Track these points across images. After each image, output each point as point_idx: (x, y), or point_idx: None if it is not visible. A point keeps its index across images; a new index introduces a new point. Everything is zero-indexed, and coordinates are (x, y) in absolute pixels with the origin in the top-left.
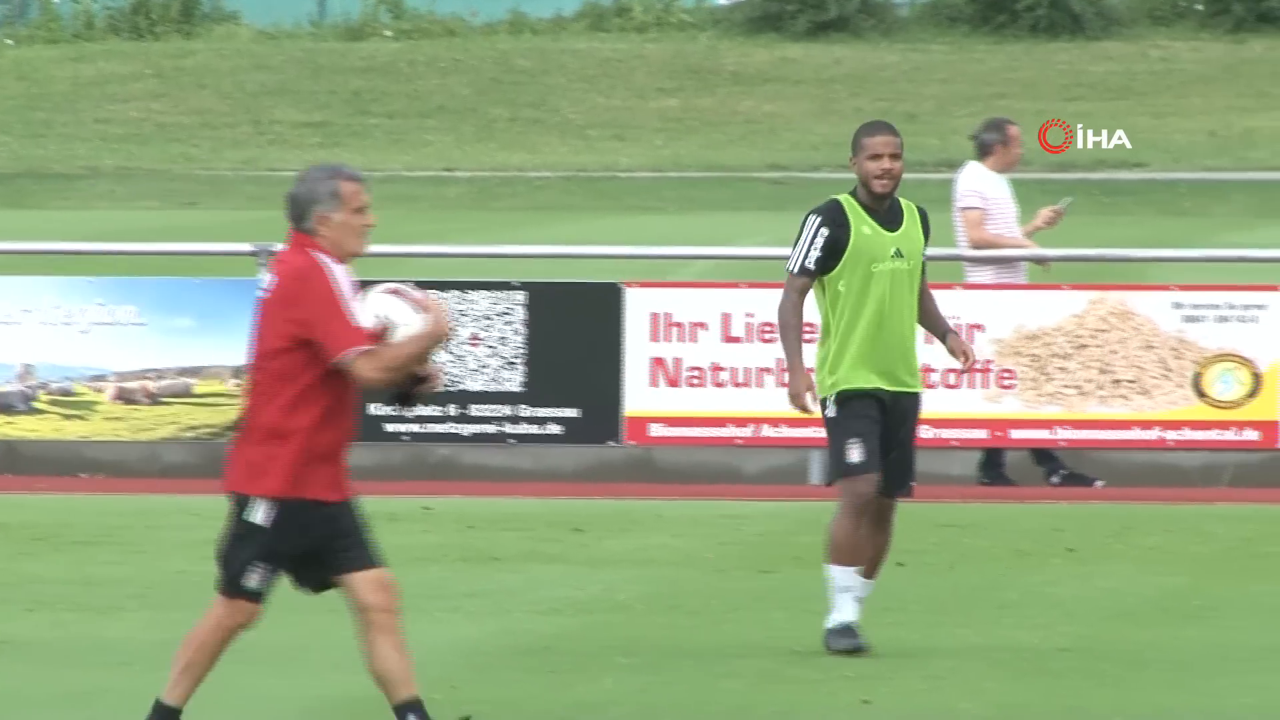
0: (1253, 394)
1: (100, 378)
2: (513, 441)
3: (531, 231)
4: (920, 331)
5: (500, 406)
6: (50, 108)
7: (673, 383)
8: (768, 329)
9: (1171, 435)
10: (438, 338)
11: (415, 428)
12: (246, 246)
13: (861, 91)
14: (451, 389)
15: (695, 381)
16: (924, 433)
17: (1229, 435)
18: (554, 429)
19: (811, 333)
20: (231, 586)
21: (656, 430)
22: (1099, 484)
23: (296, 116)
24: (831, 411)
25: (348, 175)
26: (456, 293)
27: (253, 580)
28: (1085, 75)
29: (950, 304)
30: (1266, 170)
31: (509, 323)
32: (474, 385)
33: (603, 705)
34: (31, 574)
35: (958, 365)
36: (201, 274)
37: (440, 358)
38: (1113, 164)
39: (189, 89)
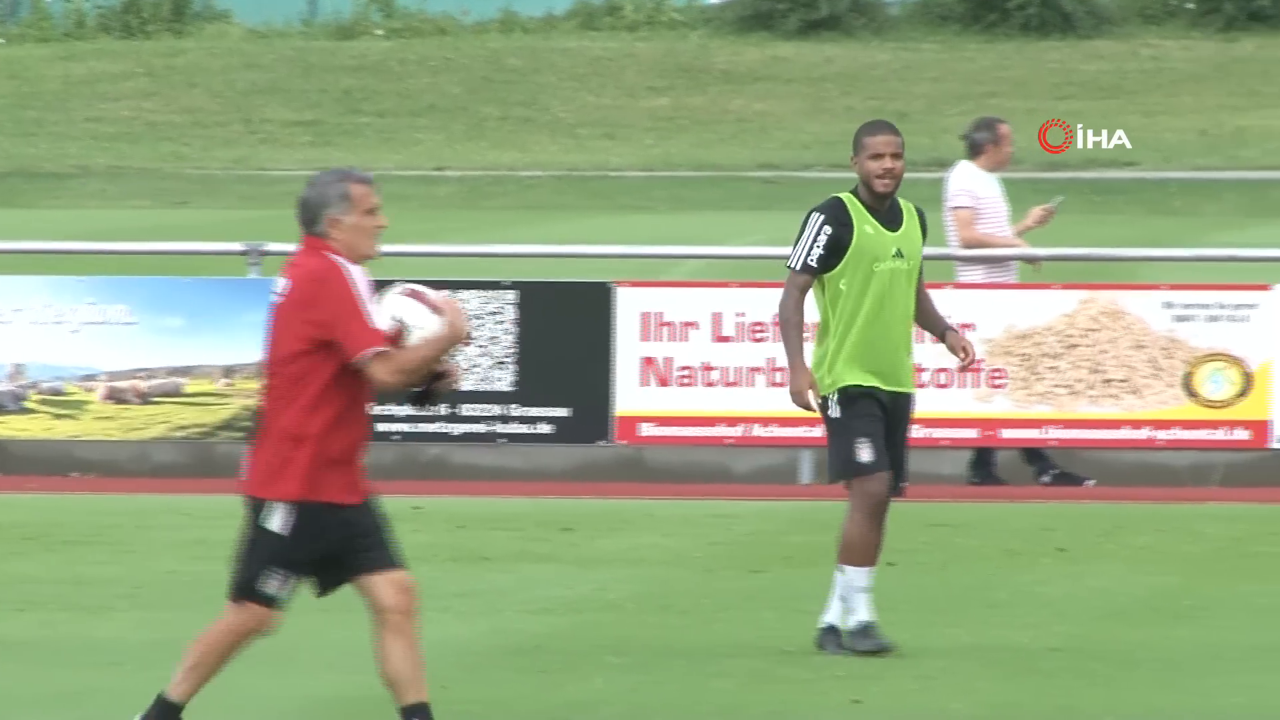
0: (1243, 393)
1: (91, 377)
2: (503, 441)
3: (522, 230)
4: (919, 331)
5: (491, 406)
6: (41, 106)
7: (663, 382)
8: (758, 329)
9: (1162, 435)
10: (454, 340)
11: (405, 427)
12: (237, 246)
13: (852, 90)
14: None
15: (686, 381)
16: (915, 432)
17: (1219, 435)
18: (544, 428)
19: (810, 332)
20: (241, 591)
21: (647, 430)
22: (1089, 483)
23: (287, 115)
24: (835, 412)
25: (358, 178)
26: (447, 292)
27: (270, 586)
28: (1076, 74)
29: (941, 303)
30: (1257, 169)
31: (499, 322)
32: (464, 385)
33: (593, 705)
34: (22, 573)
35: (956, 363)
36: (192, 273)
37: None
38: (1103, 163)
39: (180, 88)
